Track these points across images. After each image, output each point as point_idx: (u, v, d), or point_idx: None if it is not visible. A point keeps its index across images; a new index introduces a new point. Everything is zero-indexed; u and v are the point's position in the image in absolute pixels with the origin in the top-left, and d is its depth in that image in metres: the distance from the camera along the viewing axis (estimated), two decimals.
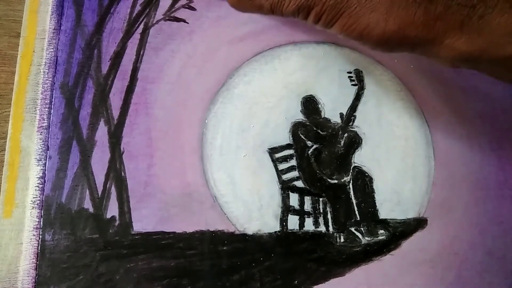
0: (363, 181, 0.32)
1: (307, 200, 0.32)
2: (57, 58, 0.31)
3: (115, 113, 0.31)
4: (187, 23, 0.33)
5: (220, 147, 0.32)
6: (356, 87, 0.34)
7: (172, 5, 0.33)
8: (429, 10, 0.18)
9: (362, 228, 0.31)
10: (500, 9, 0.18)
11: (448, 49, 0.19)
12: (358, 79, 0.34)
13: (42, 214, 0.29)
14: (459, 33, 0.18)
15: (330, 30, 0.21)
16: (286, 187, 0.31)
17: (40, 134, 0.30)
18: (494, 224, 0.33)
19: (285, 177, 0.32)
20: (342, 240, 0.31)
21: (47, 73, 0.31)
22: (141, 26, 0.33)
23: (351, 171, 0.33)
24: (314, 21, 0.21)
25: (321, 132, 0.33)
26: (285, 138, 0.32)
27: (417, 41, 0.19)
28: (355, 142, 0.33)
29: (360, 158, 0.33)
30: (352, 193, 0.32)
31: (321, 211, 0.31)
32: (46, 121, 0.30)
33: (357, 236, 0.31)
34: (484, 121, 0.35)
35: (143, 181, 0.30)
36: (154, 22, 0.33)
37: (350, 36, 0.20)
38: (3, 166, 0.29)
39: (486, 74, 0.22)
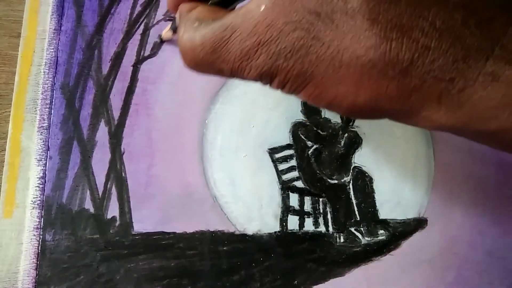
0: (363, 181, 0.32)
1: (307, 200, 0.32)
2: (57, 59, 0.31)
3: (116, 113, 0.31)
4: None
5: (220, 148, 0.32)
6: None
7: None
8: (402, 83, 0.16)
9: (362, 228, 0.31)
10: (482, 82, 0.16)
11: (427, 121, 0.18)
12: None
13: (43, 214, 0.29)
14: (437, 106, 0.17)
15: (297, 97, 0.20)
16: (286, 187, 0.32)
17: (41, 135, 0.30)
18: (494, 224, 0.33)
19: (285, 177, 0.32)
20: (342, 240, 0.31)
21: (48, 74, 0.31)
22: (142, 26, 0.33)
23: (351, 171, 0.33)
24: (277, 88, 0.19)
25: (321, 132, 0.33)
26: (285, 138, 0.32)
27: (392, 112, 0.18)
28: (355, 142, 0.33)
29: (360, 158, 0.33)
30: (352, 193, 0.32)
31: (321, 211, 0.31)
32: (47, 122, 0.30)
33: (357, 236, 0.31)
34: None
35: (144, 182, 0.30)
36: (154, 22, 0.33)
37: (318, 105, 0.19)
38: (3, 166, 0.29)
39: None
